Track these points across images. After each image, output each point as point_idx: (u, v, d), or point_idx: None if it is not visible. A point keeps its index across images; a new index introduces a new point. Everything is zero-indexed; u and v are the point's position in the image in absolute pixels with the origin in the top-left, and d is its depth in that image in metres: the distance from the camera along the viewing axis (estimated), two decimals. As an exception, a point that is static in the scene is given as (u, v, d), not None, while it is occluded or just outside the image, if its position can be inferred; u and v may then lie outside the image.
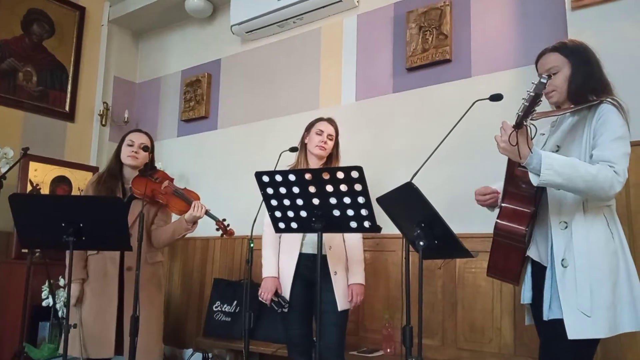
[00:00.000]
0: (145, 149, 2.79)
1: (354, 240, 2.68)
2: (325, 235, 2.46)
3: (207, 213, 2.74)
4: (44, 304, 3.61)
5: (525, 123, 1.61)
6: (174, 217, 2.95)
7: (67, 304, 2.49)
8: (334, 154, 2.76)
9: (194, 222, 2.75)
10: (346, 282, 2.60)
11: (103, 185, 2.74)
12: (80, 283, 2.67)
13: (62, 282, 3.68)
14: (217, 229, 2.81)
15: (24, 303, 3.17)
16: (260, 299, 2.57)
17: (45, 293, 3.62)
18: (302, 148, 2.74)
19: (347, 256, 2.66)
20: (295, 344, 2.59)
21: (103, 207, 2.37)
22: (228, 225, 2.82)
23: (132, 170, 2.84)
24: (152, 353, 2.74)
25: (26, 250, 3.59)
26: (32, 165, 4.16)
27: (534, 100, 1.55)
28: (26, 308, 3.20)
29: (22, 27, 4.49)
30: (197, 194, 2.89)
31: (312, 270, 2.26)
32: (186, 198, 2.81)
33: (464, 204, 2.72)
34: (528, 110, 1.57)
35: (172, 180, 2.91)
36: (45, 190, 4.18)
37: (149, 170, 2.85)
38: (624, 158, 1.69)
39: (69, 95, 4.74)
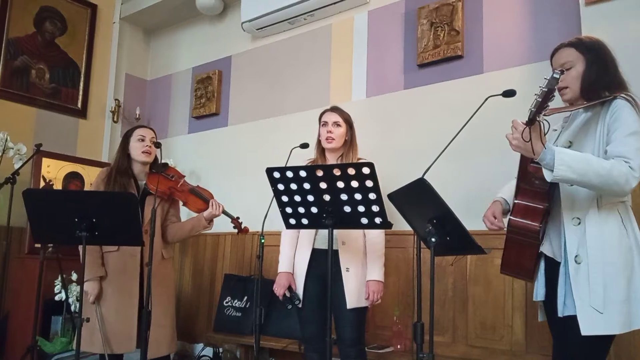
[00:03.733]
0: (157, 145, 2.81)
1: (374, 235, 2.54)
2: (340, 231, 2.45)
3: (223, 211, 2.85)
4: (56, 298, 3.64)
5: (538, 119, 1.60)
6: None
7: (80, 299, 2.52)
8: (348, 142, 2.65)
9: (211, 219, 2.86)
10: (360, 279, 2.51)
11: (115, 183, 2.76)
12: (98, 280, 2.70)
13: (74, 276, 3.71)
14: (234, 227, 2.93)
15: (36, 297, 3.20)
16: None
17: (57, 287, 3.65)
18: (318, 144, 2.71)
19: (366, 252, 2.57)
20: (309, 341, 2.57)
21: (116, 202, 2.39)
22: (242, 222, 2.93)
23: (142, 166, 2.87)
24: (171, 346, 2.82)
25: (39, 245, 3.62)
26: (45, 161, 4.19)
27: (546, 96, 1.54)
28: (39, 302, 3.23)
29: (34, 24, 4.53)
30: (210, 192, 2.97)
31: (323, 266, 2.25)
32: (203, 197, 2.90)
33: (476, 200, 2.71)
34: (541, 106, 1.56)
35: (183, 177, 2.95)
36: (57, 186, 4.21)
37: (161, 167, 2.89)
38: (638, 153, 1.67)
39: (81, 92, 4.78)
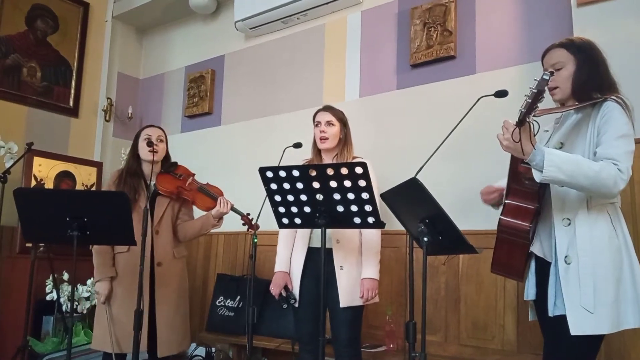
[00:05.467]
0: (149, 143, 2.81)
1: (370, 233, 2.51)
2: (334, 229, 2.45)
3: (232, 208, 2.83)
4: (47, 298, 3.62)
5: (528, 120, 1.61)
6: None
7: (71, 299, 2.51)
8: (342, 140, 2.64)
9: (220, 217, 2.84)
10: (355, 278, 2.49)
11: (125, 184, 2.77)
12: (109, 281, 2.71)
13: (65, 276, 3.69)
14: (244, 224, 2.87)
15: (28, 297, 3.18)
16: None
17: (49, 287, 3.64)
18: (314, 144, 2.69)
19: (361, 249, 2.55)
20: (304, 342, 2.55)
21: (107, 201, 2.38)
22: (252, 219, 2.86)
23: (151, 165, 2.86)
24: (182, 344, 2.84)
25: (30, 245, 3.60)
26: (36, 160, 4.17)
27: (536, 97, 1.55)
28: (30, 302, 3.20)
29: (26, 22, 4.50)
30: (219, 189, 2.94)
31: (318, 265, 2.25)
32: (211, 194, 2.88)
33: (468, 200, 2.73)
34: (531, 107, 1.57)
35: (193, 175, 2.94)
36: (49, 185, 4.19)
37: (170, 166, 2.88)
38: (627, 156, 1.69)
39: (72, 90, 4.75)
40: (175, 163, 2.97)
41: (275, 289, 2.56)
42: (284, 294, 2.55)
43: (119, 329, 2.67)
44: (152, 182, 2.84)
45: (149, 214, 2.57)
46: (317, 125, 2.64)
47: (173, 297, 2.79)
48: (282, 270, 2.59)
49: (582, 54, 1.83)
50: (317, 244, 2.51)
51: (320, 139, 2.60)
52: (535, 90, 1.54)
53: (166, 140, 2.97)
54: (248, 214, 2.88)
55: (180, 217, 2.94)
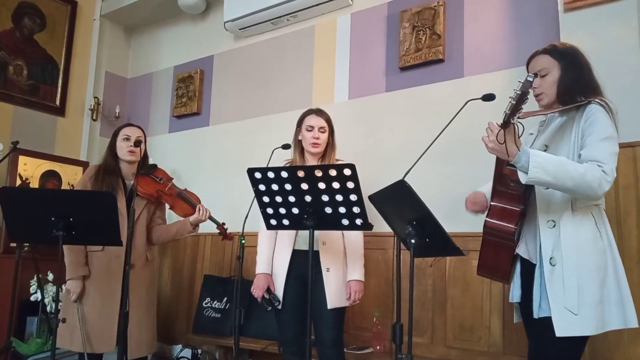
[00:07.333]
0: (137, 143, 2.79)
1: (353, 235, 2.55)
2: (321, 231, 2.45)
3: (209, 217, 2.88)
4: (32, 298, 3.58)
5: (512, 121, 1.62)
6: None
7: (56, 300, 2.49)
8: (329, 144, 2.66)
9: (197, 224, 2.88)
10: (341, 279, 2.50)
11: (103, 182, 2.75)
12: (81, 279, 2.68)
13: (50, 276, 3.65)
14: (219, 233, 2.96)
15: (12, 298, 3.15)
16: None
17: (33, 288, 3.60)
18: (296, 145, 2.67)
19: (346, 252, 2.56)
20: (288, 345, 2.54)
21: (93, 201, 2.36)
22: (227, 229, 2.96)
23: (129, 165, 2.86)
24: (151, 347, 2.84)
25: (15, 245, 3.56)
26: (22, 159, 4.13)
27: (520, 99, 1.56)
28: (14, 303, 3.17)
29: (12, 20, 4.45)
30: (197, 196, 2.98)
31: (304, 267, 2.25)
32: (191, 201, 2.92)
33: (455, 202, 2.74)
34: (515, 109, 1.59)
35: (172, 179, 2.96)
36: (34, 184, 4.15)
37: (150, 168, 2.88)
38: (612, 158, 1.71)
39: (59, 89, 4.71)
40: (155, 165, 2.96)
41: (257, 291, 2.52)
42: (266, 296, 2.52)
43: (89, 328, 2.64)
44: (131, 182, 2.83)
45: (134, 214, 2.55)
46: (309, 130, 2.61)
47: (144, 299, 2.79)
48: (264, 272, 2.56)
49: (566, 59, 1.85)
50: (302, 246, 2.51)
51: (313, 144, 2.59)
52: (519, 92, 1.55)
53: (145, 140, 2.93)
54: (223, 224, 2.96)
55: (154, 220, 2.94)
